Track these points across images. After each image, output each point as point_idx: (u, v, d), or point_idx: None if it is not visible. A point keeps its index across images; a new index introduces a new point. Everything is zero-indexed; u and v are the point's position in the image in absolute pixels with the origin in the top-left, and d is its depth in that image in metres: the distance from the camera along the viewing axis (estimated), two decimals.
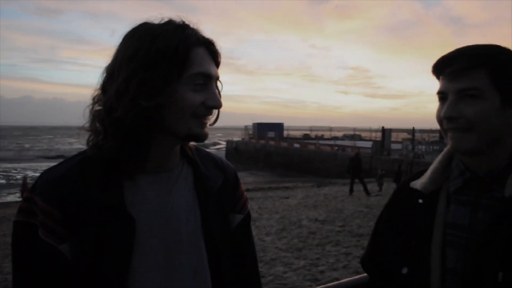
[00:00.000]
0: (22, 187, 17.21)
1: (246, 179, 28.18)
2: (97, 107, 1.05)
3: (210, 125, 1.10)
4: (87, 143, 1.05)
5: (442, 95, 1.11)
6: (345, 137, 52.09)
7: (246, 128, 53.58)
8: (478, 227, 1.09)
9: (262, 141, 43.31)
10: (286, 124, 53.30)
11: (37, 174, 1.99)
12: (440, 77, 1.12)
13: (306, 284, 6.21)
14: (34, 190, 1.00)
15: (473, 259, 1.07)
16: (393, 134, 32.59)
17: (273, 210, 12.44)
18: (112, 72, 1.01)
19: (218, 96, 1.07)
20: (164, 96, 0.98)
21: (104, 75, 1.04)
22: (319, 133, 57.28)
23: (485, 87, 1.05)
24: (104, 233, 0.98)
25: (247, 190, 13.27)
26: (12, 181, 32.14)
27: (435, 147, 29.71)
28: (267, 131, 46.61)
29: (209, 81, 1.05)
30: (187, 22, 1.05)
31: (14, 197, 22.71)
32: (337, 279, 5.15)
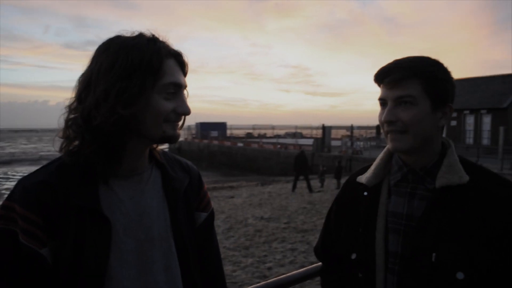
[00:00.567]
0: None
1: None
2: (71, 115, 1.10)
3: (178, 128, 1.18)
4: (60, 150, 1.10)
5: (383, 101, 1.28)
6: (287, 135, 53.07)
7: (189, 127, 52.95)
8: (414, 215, 1.26)
9: (206, 141, 43.04)
10: (229, 123, 53.24)
11: None
12: (381, 85, 1.28)
13: (254, 281, 6.34)
14: (12, 197, 1.03)
15: (410, 242, 1.24)
16: (333, 131, 33.48)
17: (219, 210, 12.44)
18: (89, 83, 1.07)
19: (187, 103, 1.16)
20: (140, 104, 1.06)
21: (79, 85, 1.10)
22: (262, 132, 57.90)
23: (418, 95, 1.22)
24: (82, 235, 1.04)
25: None
26: None
27: (372, 143, 31.18)
28: (210, 130, 46.44)
29: (179, 90, 1.14)
30: (156, 35, 1.13)
31: None
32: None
